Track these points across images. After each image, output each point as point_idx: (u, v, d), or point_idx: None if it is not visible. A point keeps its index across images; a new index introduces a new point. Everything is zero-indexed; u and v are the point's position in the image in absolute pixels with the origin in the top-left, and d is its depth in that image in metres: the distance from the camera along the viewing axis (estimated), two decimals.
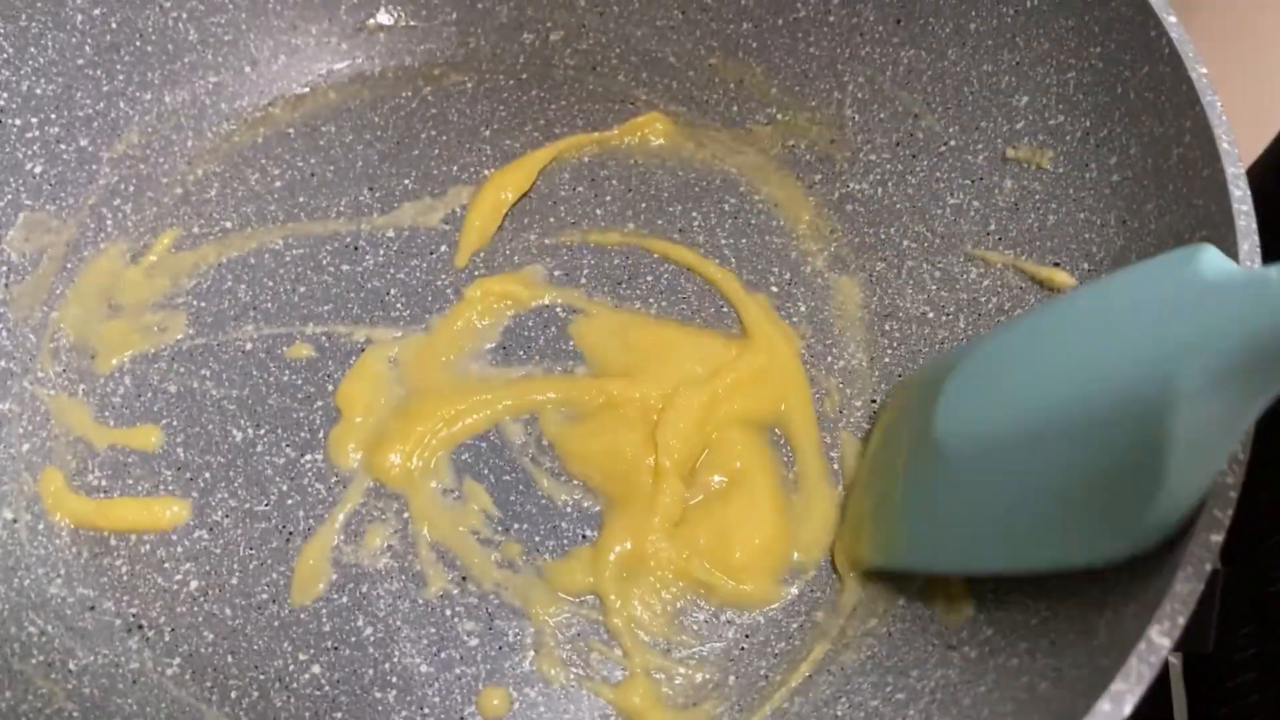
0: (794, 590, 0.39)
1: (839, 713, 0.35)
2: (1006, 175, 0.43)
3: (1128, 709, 0.25)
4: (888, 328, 0.44)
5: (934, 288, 0.44)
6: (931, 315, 0.44)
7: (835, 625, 0.38)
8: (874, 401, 0.43)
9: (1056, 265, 0.40)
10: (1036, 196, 0.42)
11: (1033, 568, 0.31)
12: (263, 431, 0.42)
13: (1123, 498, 0.27)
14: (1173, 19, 0.36)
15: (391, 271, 0.46)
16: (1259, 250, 0.32)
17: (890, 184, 0.46)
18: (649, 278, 0.46)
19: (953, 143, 0.44)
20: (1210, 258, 0.27)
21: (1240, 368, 0.24)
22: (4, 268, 0.44)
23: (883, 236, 0.46)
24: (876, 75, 0.47)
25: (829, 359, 0.44)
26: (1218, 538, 0.27)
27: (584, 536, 0.40)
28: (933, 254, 0.44)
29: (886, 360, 0.44)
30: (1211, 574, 0.40)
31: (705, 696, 0.37)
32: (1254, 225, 0.32)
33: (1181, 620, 0.26)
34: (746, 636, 0.39)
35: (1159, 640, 0.26)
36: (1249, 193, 0.32)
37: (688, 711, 0.37)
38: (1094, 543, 0.28)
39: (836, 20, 0.47)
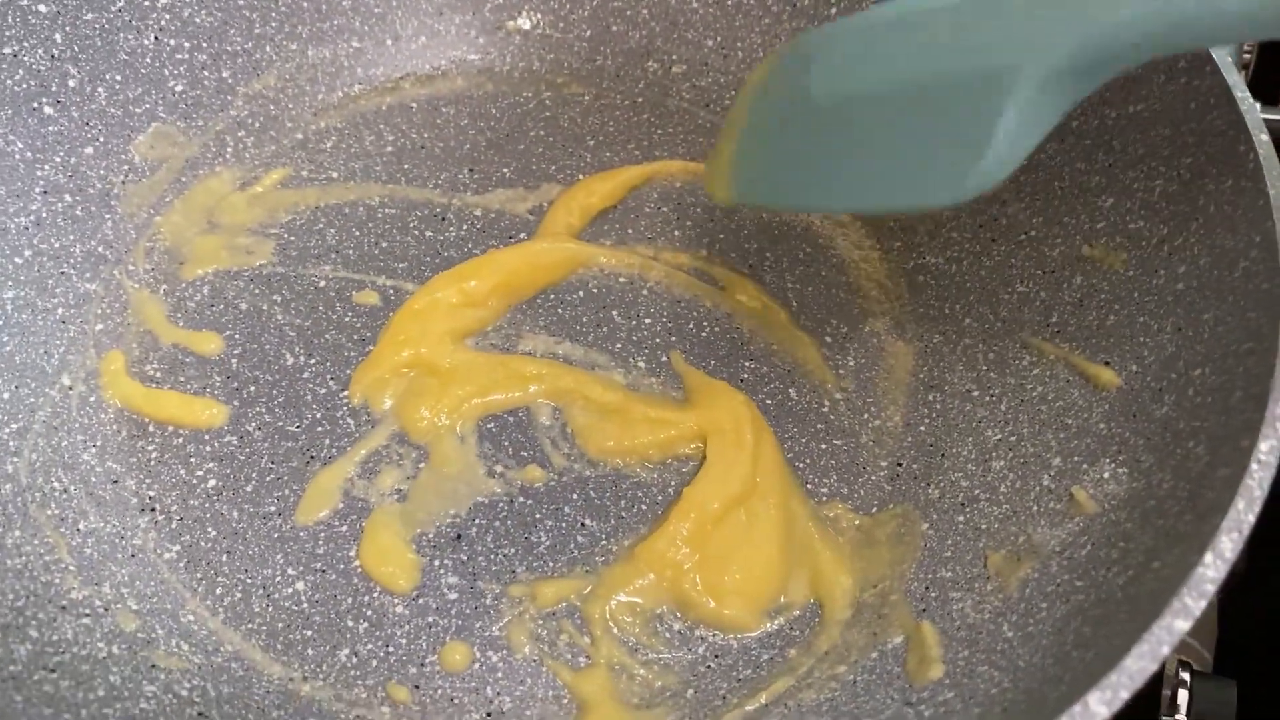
0: (774, 625, 0.39)
1: None
2: (1078, 271, 0.42)
3: None
4: (930, 398, 0.44)
5: (984, 368, 0.44)
6: (976, 394, 0.43)
7: (805, 664, 0.38)
8: (899, 464, 0.43)
9: (1106, 364, 0.40)
10: (1102, 295, 0.41)
11: (867, 206, 0.41)
12: (313, 361, 0.44)
13: (954, 156, 0.34)
14: (1264, 137, 0.36)
15: (470, 245, 0.48)
16: None
17: (965, 263, 0.46)
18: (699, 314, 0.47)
19: (1033, 233, 0.45)
20: None
21: (1065, 74, 0.31)
22: (125, 166, 0.47)
23: (946, 311, 0.46)
24: None
25: (865, 415, 0.44)
26: (1184, 624, 0.27)
27: (583, 524, 0.41)
28: (991, 336, 0.44)
29: (921, 429, 0.44)
30: None
31: (660, 702, 0.37)
32: None
33: (1124, 694, 0.26)
34: (716, 656, 0.38)
35: (1096, 708, 0.25)
36: None
37: (638, 712, 0.37)
38: (923, 188, 0.35)
39: None
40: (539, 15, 0.55)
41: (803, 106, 0.39)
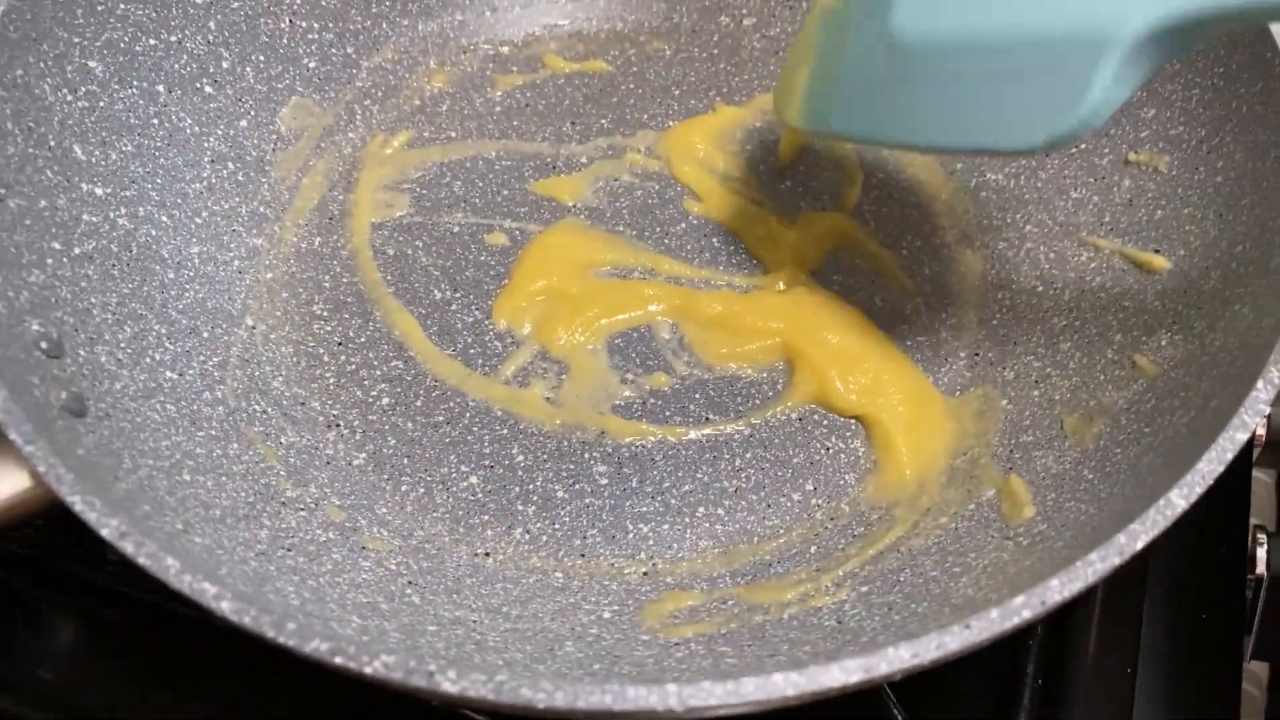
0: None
1: (902, 578, 0.41)
2: (1126, 175, 0.48)
3: (1139, 544, 0.31)
4: (1000, 296, 0.50)
5: (1047, 266, 0.50)
6: (1041, 289, 0.49)
7: (910, 519, 0.44)
8: (976, 354, 0.49)
9: (1157, 252, 0.46)
10: (1149, 194, 0.47)
11: (945, 145, 0.39)
12: (458, 295, 0.51)
13: (1046, 106, 0.35)
14: None
15: None
16: None
17: (1023, 177, 0.52)
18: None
19: (1084, 146, 0.50)
20: None
21: (1159, 37, 0.32)
22: (274, 136, 0.54)
23: (1009, 220, 0.52)
24: None
25: (942, 314, 0.50)
26: (1242, 435, 0.33)
27: (706, 419, 0.47)
28: (1050, 239, 0.50)
29: (994, 323, 0.50)
30: None
31: (788, 558, 0.44)
32: None
33: (1198, 489, 0.32)
34: (831, 519, 0.45)
35: (1176, 500, 0.32)
36: None
37: (769, 583, 0.43)
38: (1010, 134, 0.36)
39: None
40: None
41: (883, 41, 0.39)
